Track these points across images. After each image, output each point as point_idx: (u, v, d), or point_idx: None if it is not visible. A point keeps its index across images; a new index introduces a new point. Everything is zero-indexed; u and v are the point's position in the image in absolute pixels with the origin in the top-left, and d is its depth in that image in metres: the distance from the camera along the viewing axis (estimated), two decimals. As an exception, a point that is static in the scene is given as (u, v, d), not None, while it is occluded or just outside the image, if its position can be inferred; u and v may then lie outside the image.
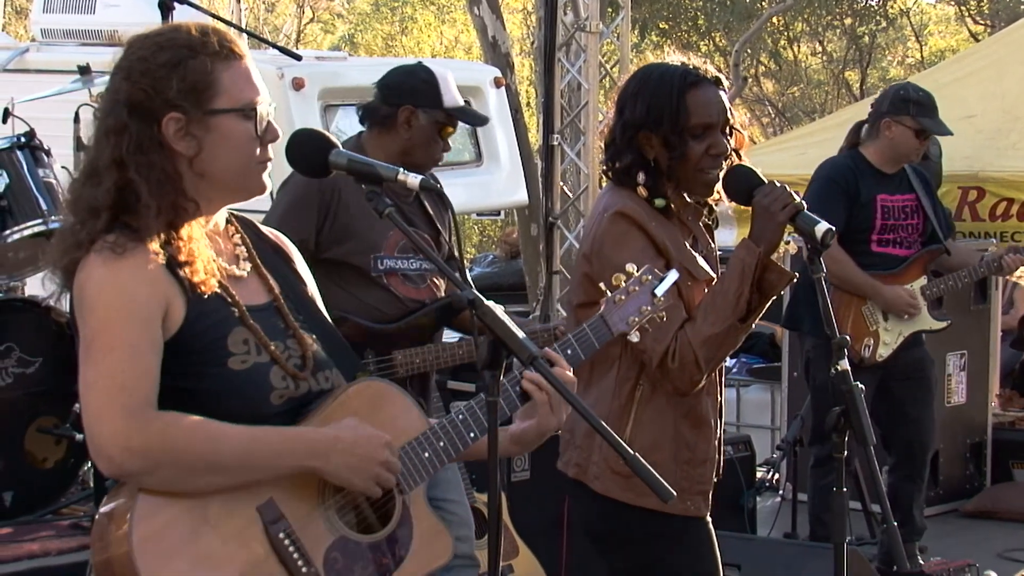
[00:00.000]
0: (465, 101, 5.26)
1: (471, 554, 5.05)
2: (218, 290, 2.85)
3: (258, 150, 2.88)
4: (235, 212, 3.02)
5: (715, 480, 3.96)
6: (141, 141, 2.81)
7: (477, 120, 5.35)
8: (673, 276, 3.29)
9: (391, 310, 4.94)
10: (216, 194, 2.89)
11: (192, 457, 2.71)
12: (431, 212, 5.10)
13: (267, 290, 2.97)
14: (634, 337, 3.24)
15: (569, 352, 3.16)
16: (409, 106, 4.93)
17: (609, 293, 3.23)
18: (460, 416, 2.99)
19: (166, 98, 2.82)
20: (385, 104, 4.97)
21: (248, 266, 2.97)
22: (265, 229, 3.09)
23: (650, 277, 3.25)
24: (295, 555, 2.79)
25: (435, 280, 5.07)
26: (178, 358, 2.78)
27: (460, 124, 5.15)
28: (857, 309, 6.69)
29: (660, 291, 3.25)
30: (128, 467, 2.68)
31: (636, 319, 3.24)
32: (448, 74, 5.03)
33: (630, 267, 3.26)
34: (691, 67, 3.82)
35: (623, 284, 3.24)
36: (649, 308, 3.24)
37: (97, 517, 2.78)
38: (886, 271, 6.75)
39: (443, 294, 5.08)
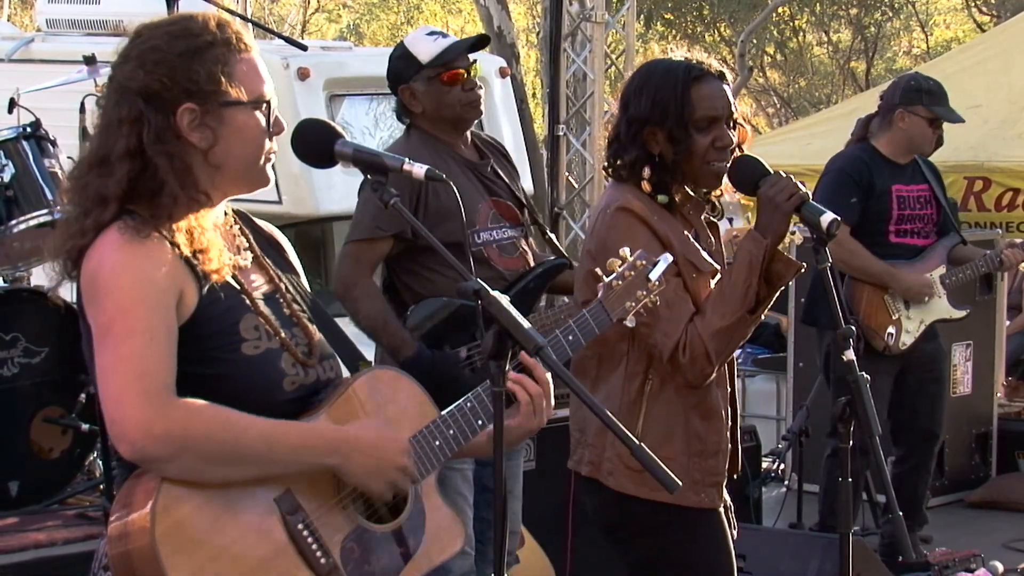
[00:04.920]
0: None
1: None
2: (229, 278, 2.86)
3: (267, 143, 2.89)
4: (231, 206, 3.01)
5: (735, 475, 3.96)
6: (160, 131, 2.80)
7: (471, 45, 5.22)
8: (666, 260, 3.29)
9: (492, 285, 4.94)
10: (226, 185, 2.89)
11: (214, 447, 2.71)
12: (506, 178, 5.10)
13: (268, 280, 2.98)
14: (630, 322, 3.25)
15: (570, 338, 3.17)
16: (402, 86, 4.99)
17: (605, 279, 3.23)
18: (468, 404, 3.00)
19: (183, 88, 2.81)
20: (398, 95, 5.03)
21: (249, 256, 2.97)
22: (259, 222, 3.09)
23: (644, 262, 3.26)
24: (313, 546, 2.80)
25: (524, 247, 5.07)
26: (192, 344, 2.78)
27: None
28: (879, 298, 6.72)
29: (654, 275, 3.25)
30: (150, 452, 2.68)
31: (633, 304, 3.24)
32: (418, 34, 5.08)
33: (624, 252, 3.27)
34: (695, 61, 3.83)
35: (618, 269, 3.24)
36: (644, 293, 3.25)
37: (113, 511, 2.76)
38: (905, 260, 6.78)
39: (532, 260, 5.06)
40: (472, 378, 4.60)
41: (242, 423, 2.75)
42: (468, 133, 5.12)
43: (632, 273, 3.24)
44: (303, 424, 2.84)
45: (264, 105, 2.87)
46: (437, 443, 2.97)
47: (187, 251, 2.79)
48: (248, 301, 2.88)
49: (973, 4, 27.14)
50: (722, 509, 3.91)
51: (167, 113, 2.81)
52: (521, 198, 5.14)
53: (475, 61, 5.05)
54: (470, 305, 4.83)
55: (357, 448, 2.83)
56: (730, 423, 3.95)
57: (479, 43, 5.17)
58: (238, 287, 2.88)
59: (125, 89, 2.83)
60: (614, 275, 3.23)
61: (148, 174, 2.80)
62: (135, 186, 2.80)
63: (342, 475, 2.83)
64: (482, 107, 5.06)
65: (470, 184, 4.96)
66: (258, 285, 2.94)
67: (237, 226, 3.00)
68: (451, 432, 2.98)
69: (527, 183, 10.08)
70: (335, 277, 4.88)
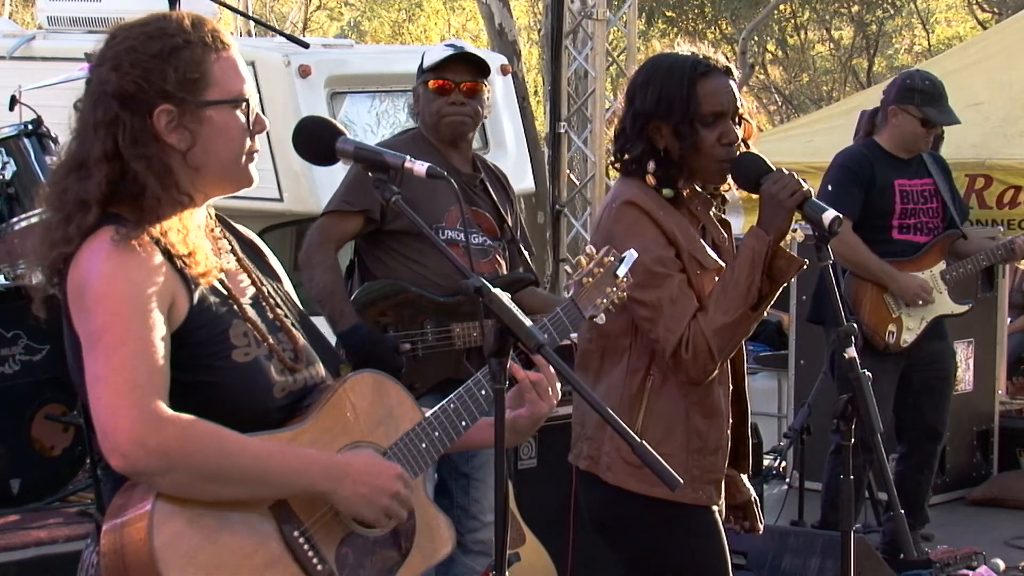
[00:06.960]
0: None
1: (488, 540, 5.08)
2: (217, 283, 2.83)
3: (248, 142, 2.86)
4: (212, 209, 2.98)
5: (748, 473, 3.98)
6: (136, 134, 2.77)
7: (469, 60, 5.26)
8: (631, 256, 3.32)
9: (451, 282, 4.98)
10: (207, 187, 2.86)
11: (207, 465, 2.68)
12: (494, 196, 5.27)
13: (251, 283, 2.95)
14: (600, 319, 3.27)
15: (545, 336, 3.16)
16: (413, 87, 5.34)
17: (575, 276, 3.25)
18: (452, 405, 3.00)
19: (158, 89, 2.77)
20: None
21: (232, 259, 2.94)
22: (239, 227, 3.06)
23: (611, 259, 3.29)
24: (309, 553, 2.79)
25: (499, 257, 5.22)
26: (183, 351, 2.75)
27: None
28: (879, 296, 6.72)
29: (621, 272, 3.28)
30: (141, 466, 2.65)
31: (603, 301, 3.27)
32: (441, 43, 5.39)
33: (590, 249, 3.30)
34: (701, 57, 3.83)
35: (586, 266, 3.26)
36: (613, 289, 3.28)
37: (107, 523, 2.74)
38: (906, 258, 6.77)
39: (504, 270, 5.22)
40: (404, 363, 4.80)
41: (236, 443, 2.72)
42: (469, 151, 5.31)
43: (601, 270, 3.27)
44: (298, 449, 2.81)
45: (243, 103, 2.84)
46: (424, 445, 2.97)
47: (182, 251, 2.76)
48: (236, 307, 2.85)
49: (974, 1, 27.13)
50: (722, 506, 3.91)
51: (143, 115, 2.77)
52: (505, 218, 5.25)
53: (479, 81, 5.11)
54: (424, 295, 4.93)
55: (349, 475, 2.80)
56: (732, 419, 3.96)
57: (478, 64, 5.19)
58: (226, 292, 2.85)
59: (102, 92, 2.79)
60: (584, 272, 3.26)
61: (128, 177, 2.77)
62: (116, 189, 2.77)
63: (335, 502, 2.81)
64: (464, 127, 5.21)
65: (447, 187, 5.03)
66: (244, 288, 2.92)
67: (219, 228, 2.97)
68: (436, 434, 2.98)
69: (529, 181, 10.14)
70: (303, 245, 5.09)
